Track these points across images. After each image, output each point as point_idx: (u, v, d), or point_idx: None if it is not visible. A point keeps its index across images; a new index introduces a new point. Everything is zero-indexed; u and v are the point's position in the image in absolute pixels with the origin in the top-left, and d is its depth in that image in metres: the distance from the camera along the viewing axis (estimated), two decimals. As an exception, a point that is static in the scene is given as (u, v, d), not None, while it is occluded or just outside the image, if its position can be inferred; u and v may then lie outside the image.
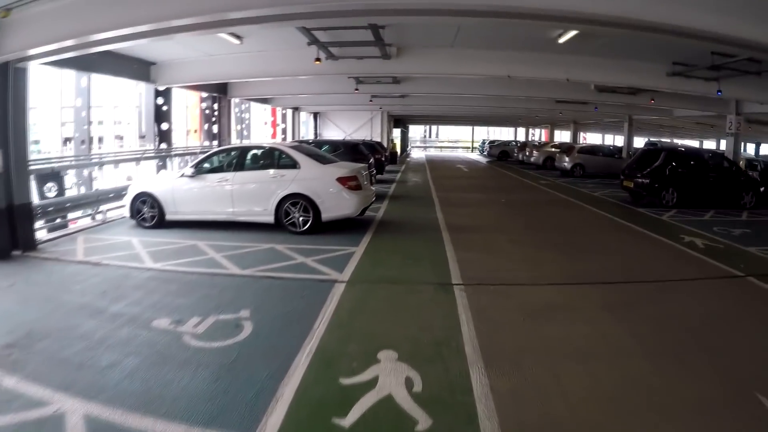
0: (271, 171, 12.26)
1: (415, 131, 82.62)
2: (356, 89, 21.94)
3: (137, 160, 18.18)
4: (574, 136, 48.65)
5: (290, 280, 8.48)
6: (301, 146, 13.62)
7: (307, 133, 40.30)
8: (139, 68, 17.51)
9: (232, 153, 13.33)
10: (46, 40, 9.51)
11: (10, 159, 10.55)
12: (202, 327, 6.51)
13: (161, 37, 9.89)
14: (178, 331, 6.39)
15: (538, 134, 69.71)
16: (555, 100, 28.60)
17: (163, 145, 19.43)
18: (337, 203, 11.85)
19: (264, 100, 30.20)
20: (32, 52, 9.87)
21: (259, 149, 13.58)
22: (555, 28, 12.39)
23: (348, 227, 12.37)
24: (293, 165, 12.14)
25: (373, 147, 23.99)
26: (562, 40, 13.46)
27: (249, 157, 13.11)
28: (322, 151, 15.02)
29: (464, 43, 15.16)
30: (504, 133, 78.68)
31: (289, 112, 36.10)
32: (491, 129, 79.83)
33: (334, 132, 40.16)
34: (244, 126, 31.22)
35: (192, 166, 12.90)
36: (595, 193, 22.16)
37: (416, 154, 63.39)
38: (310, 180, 11.85)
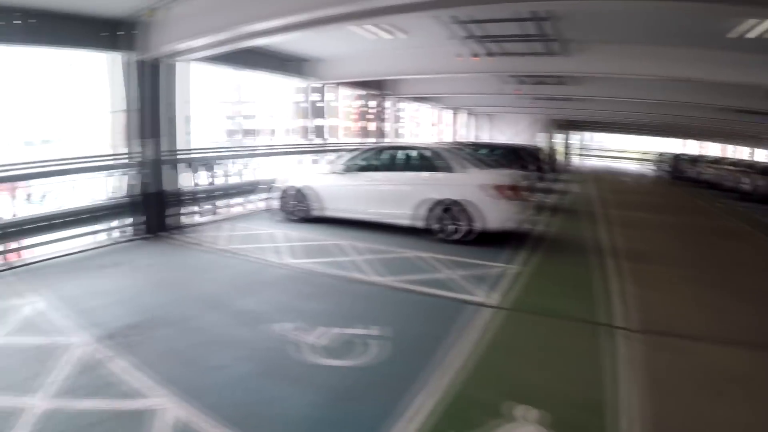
0: (424, 173, 11.43)
1: (578, 138, 79.21)
2: (517, 90, 20.57)
3: (290, 153, 18.08)
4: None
5: (431, 297, 7.54)
6: (457, 148, 12.63)
7: (466, 135, 39.35)
8: (293, 65, 17.52)
9: (385, 152, 12.73)
10: (189, 35, 9.85)
11: (161, 148, 11.57)
12: (325, 339, 5.94)
13: (311, 32, 9.51)
14: (298, 340, 5.90)
15: (714, 148, 64.56)
16: (735, 110, 24.89)
17: (318, 140, 19.33)
18: (493, 213, 10.65)
19: (422, 100, 29.17)
20: (180, 47, 10.32)
21: (413, 149, 12.70)
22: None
23: (503, 241, 11.04)
24: (448, 168, 11.20)
25: (533, 153, 22.34)
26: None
27: (401, 157, 12.42)
28: (480, 155, 13.90)
29: (643, 38, 13.08)
30: (673, 145, 73.24)
31: (449, 112, 35.38)
32: (660, 140, 74.64)
33: (494, 135, 38.77)
34: (401, 125, 30.87)
35: (342, 163, 12.64)
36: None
37: (578, 162, 60.03)
38: (465, 186, 10.82)
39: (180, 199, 12.35)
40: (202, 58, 12.31)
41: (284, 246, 10.43)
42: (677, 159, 45.92)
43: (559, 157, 43.16)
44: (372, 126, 23.23)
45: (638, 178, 38.29)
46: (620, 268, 9.43)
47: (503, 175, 11.10)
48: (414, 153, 12.40)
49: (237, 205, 15.47)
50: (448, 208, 10.87)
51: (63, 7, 9.90)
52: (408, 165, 12.16)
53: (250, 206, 15.45)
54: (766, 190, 24.94)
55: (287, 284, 8.00)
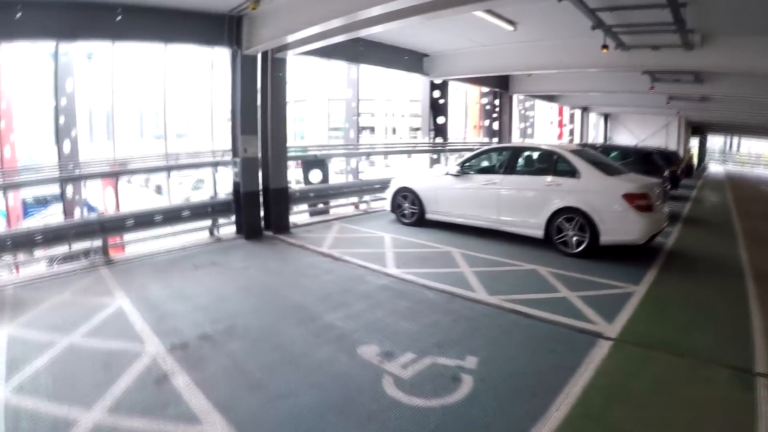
0: (546, 178, 10.34)
1: (714, 142, 74.36)
2: (651, 87, 18.83)
3: (408, 152, 17.49)
4: None
5: (542, 322, 6.53)
6: (583, 151, 11.29)
7: (596, 136, 37.50)
8: (411, 60, 16.99)
9: (503, 153, 11.68)
10: (297, 26, 9.38)
11: (268, 145, 11.54)
12: (412, 370, 5.15)
13: (428, 19, 8.61)
14: (381, 368, 5.19)
15: None
16: None
17: (439, 139, 18.70)
18: (620, 225, 9.44)
19: (549, 98, 27.85)
20: (288, 39, 10.01)
21: (534, 151, 11.67)
22: None
23: (630, 256, 9.83)
24: (572, 173, 10.07)
25: (668, 157, 20.32)
26: None
27: (522, 159, 11.37)
28: (609, 159, 12.58)
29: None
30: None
31: (578, 112, 33.68)
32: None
33: (625, 137, 36.38)
34: (528, 124, 29.59)
35: (458, 164, 11.85)
36: None
37: (714, 167, 56.18)
38: (590, 193, 9.68)
39: (288, 197, 12.19)
40: (313, 51, 12.18)
41: (390, 252, 9.94)
42: None
43: (695, 161, 40.53)
44: (497, 125, 22.22)
45: (778, 185, 34.78)
46: (763, 297, 7.94)
47: (634, 183, 9.78)
48: (535, 155, 11.41)
49: (350, 205, 15.26)
50: (571, 218, 9.78)
51: (168, 3, 9.95)
52: (528, 168, 11.16)
53: (363, 206, 15.17)
54: None
55: (384, 297, 7.37)
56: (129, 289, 7.71)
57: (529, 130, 29.78)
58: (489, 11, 11.48)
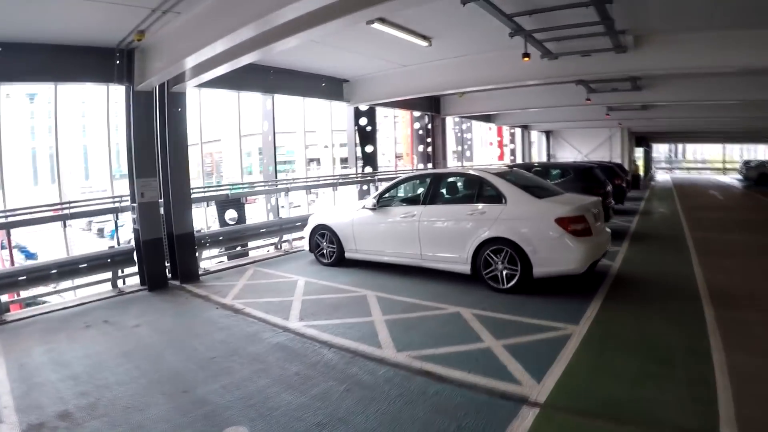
0: (470, 206, 9.26)
1: (660, 150, 74.98)
2: (588, 99, 18.21)
3: (334, 185, 16.38)
4: None
5: (455, 386, 5.31)
6: (511, 173, 10.28)
7: (539, 154, 37.01)
8: (329, 86, 16.16)
9: (422, 181, 10.63)
10: (189, 51, 8.34)
11: (169, 188, 10.68)
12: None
13: (341, 26, 7.30)
14: None
15: None
16: None
17: (368, 169, 17.68)
18: (555, 254, 8.34)
19: (486, 118, 27.22)
20: (188, 64, 8.88)
21: (456, 176, 10.71)
22: None
23: (569, 288, 8.78)
24: (498, 198, 8.99)
25: (611, 171, 19.65)
26: None
27: (443, 186, 10.32)
28: (541, 180, 11.41)
29: (730, 21, 10.58)
30: (761, 152, 67.97)
31: (518, 130, 33.11)
32: (746, 147, 69.35)
33: (568, 153, 36.42)
34: (466, 147, 28.75)
35: (375, 197, 10.75)
36: None
37: (661, 176, 56.43)
38: (518, 220, 8.60)
39: (194, 243, 11.14)
40: (220, 83, 11.69)
41: (299, 300, 8.89)
42: (765, 165, 42.67)
43: (641, 172, 40.38)
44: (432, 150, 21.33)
45: (724, 191, 34.65)
46: (723, 325, 6.94)
47: (568, 205, 8.72)
48: (457, 181, 10.43)
49: (269, 245, 14.35)
50: (500, 249, 8.64)
51: (53, 38, 9.22)
52: (450, 196, 10.15)
53: (286, 246, 14.12)
54: None
55: (274, 360, 6.33)
56: (9, 355, 7.00)
57: (467, 153, 28.96)
58: (401, 27, 10.61)
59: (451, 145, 24.63)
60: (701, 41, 11.20)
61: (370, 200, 10.68)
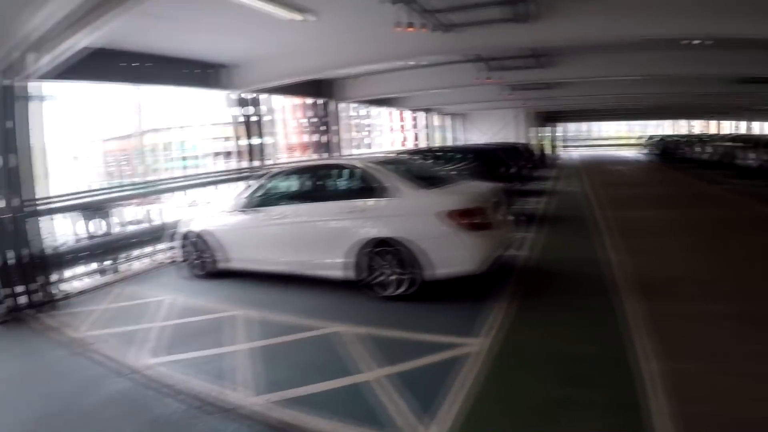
0: (349, 202, 8.07)
1: (564, 130, 76.33)
2: (487, 77, 17.44)
3: (215, 183, 15.03)
4: (749, 126, 42.73)
5: None
6: (396, 160, 9.37)
7: (445, 138, 36.35)
8: (205, 73, 14.65)
9: (296, 175, 9.40)
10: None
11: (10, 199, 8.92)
12: None
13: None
14: None
15: (698, 126, 62.48)
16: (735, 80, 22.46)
17: (256, 163, 16.39)
18: (448, 253, 7.25)
19: (385, 102, 26.12)
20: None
21: (334, 168, 9.43)
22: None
23: (470, 288, 7.69)
24: (381, 191, 7.83)
25: (516, 152, 19.27)
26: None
27: (320, 180, 9.05)
28: (433, 168, 10.53)
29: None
30: (663, 128, 70.52)
31: (421, 115, 32.27)
32: (648, 123, 72.10)
33: (474, 135, 35.83)
34: (365, 134, 27.65)
35: (246, 196, 9.38)
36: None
37: (567, 154, 57.05)
38: (405, 216, 7.48)
39: (47, 263, 9.32)
40: (77, 73, 9.99)
41: (157, 327, 7.41)
42: (669, 141, 45.19)
43: (547, 151, 40.41)
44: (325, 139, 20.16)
45: (631, 166, 35.66)
46: (649, 322, 6.14)
47: (462, 195, 7.69)
48: (335, 173, 9.21)
49: (143, 257, 12.44)
50: (386, 250, 7.51)
51: None
52: (327, 192, 8.91)
53: (160, 257, 12.31)
54: None
55: (108, 419, 5.00)
56: None
57: (366, 140, 27.88)
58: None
59: (349, 132, 23.55)
60: (599, 58, 11.83)
61: (241, 200, 9.37)
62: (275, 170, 10.04)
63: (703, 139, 35.71)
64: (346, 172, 8.95)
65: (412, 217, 7.39)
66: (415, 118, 32.59)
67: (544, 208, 15.88)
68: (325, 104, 20.09)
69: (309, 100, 20.29)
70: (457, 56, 14.24)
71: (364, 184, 8.12)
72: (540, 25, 10.59)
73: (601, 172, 30.57)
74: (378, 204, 7.68)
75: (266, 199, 9.19)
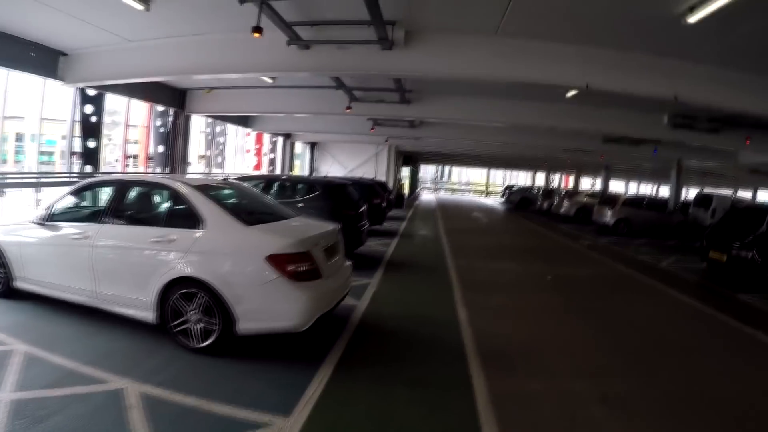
0: (156, 229, 6.69)
1: (427, 170, 77.29)
2: (348, 107, 16.64)
3: (36, 185, 13.24)
4: (606, 184, 44.39)
5: None
6: (225, 186, 8.08)
7: (302, 167, 35.24)
8: (40, 58, 12.80)
9: (107, 190, 7.66)
10: None
11: None
12: None
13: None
14: None
15: (557, 179, 66.12)
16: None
17: (88, 168, 14.71)
18: (267, 305, 6.05)
19: (243, 122, 24.85)
20: None
21: (147, 186, 7.90)
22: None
23: (293, 344, 6.58)
24: (194, 221, 6.50)
25: (370, 189, 18.34)
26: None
27: (130, 199, 7.57)
28: (267, 198, 9.02)
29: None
30: (522, 178, 72.78)
31: (280, 140, 30.98)
32: (508, 172, 74.16)
33: (333, 167, 34.93)
34: (218, 152, 26.04)
35: (47, 207, 7.68)
36: (660, 263, 16.70)
37: (426, 196, 57.59)
38: (217, 254, 6.23)
39: None
40: None
41: None
42: (527, 191, 47.63)
43: (406, 191, 40.23)
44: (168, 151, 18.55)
45: (488, 213, 35.94)
46: (501, 406, 5.23)
47: (289, 237, 6.38)
48: (147, 192, 7.77)
49: None
50: (192, 293, 6.19)
51: None
52: (135, 213, 7.41)
53: None
54: (628, 224, 25.48)
55: None
56: None
57: (218, 159, 26.28)
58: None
59: (198, 148, 21.98)
60: (486, 47, 10.44)
61: (41, 211, 7.68)
62: (86, 181, 8.40)
63: (560, 193, 36.91)
64: (159, 193, 7.57)
65: (226, 256, 6.17)
66: (274, 143, 31.16)
67: (394, 251, 15.04)
68: (175, 114, 18.55)
69: (160, 108, 18.62)
70: (317, 76, 13.46)
71: (176, 211, 6.78)
72: (406, 53, 10.20)
73: (458, 217, 30.58)
74: (188, 236, 6.37)
75: (71, 214, 7.67)
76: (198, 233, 6.34)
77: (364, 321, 7.94)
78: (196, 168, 21.32)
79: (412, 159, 50.34)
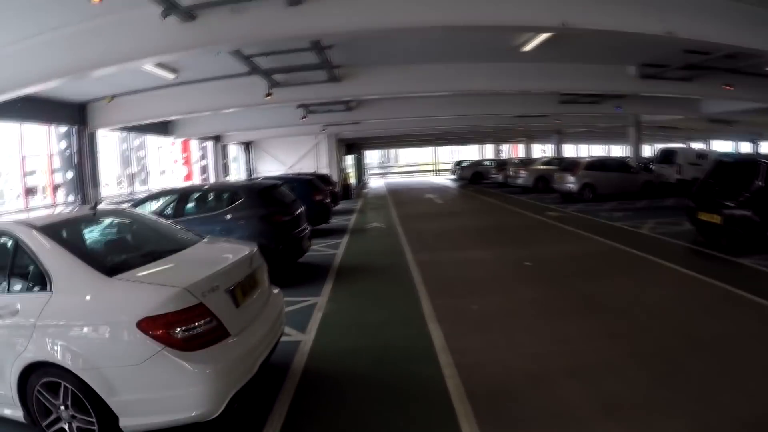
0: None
1: (372, 156, 75.36)
2: (268, 94, 14.74)
3: None
4: (558, 149, 43.21)
5: None
6: (87, 217, 5.68)
7: (239, 170, 33.01)
8: None
9: None
10: None
11: None
12: None
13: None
14: None
15: (506, 150, 65.62)
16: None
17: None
18: (152, 391, 4.05)
19: (161, 130, 22.40)
20: None
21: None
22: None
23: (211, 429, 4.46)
24: (40, 279, 4.46)
25: (309, 185, 16.63)
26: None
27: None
28: (160, 222, 6.72)
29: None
30: (470, 152, 71.43)
31: (209, 144, 28.57)
32: (455, 148, 72.96)
33: (272, 165, 33.16)
34: (139, 168, 23.59)
35: None
36: (640, 229, 15.10)
37: (375, 183, 55.76)
38: (72, 324, 4.21)
39: None
40: None
41: None
42: (479, 165, 47.45)
43: (352, 181, 38.32)
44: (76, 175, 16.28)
45: (443, 193, 34.54)
46: None
47: (170, 285, 4.25)
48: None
49: None
50: (55, 384, 4.21)
51: None
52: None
53: None
54: (593, 189, 24.05)
55: None
56: None
57: (142, 175, 23.83)
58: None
59: (112, 167, 19.77)
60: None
61: None
62: None
63: (515, 164, 35.74)
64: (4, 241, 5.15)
65: (81, 327, 4.19)
66: (204, 148, 28.70)
67: (344, 253, 13.20)
68: (78, 132, 16.31)
69: (63, 128, 16.30)
70: (216, 57, 11.76)
71: (18, 266, 4.74)
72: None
73: (411, 202, 28.99)
74: (32, 302, 4.38)
75: None
76: (44, 297, 4.33)
77: (309, 368, 6.03)
78: (113, 191, 19.14)
79: (355, 146, 48.82)
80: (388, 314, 7.99)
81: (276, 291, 5.92)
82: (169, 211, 10.61)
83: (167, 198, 11.00)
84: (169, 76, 12.86)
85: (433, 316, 7.58)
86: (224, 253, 5.52)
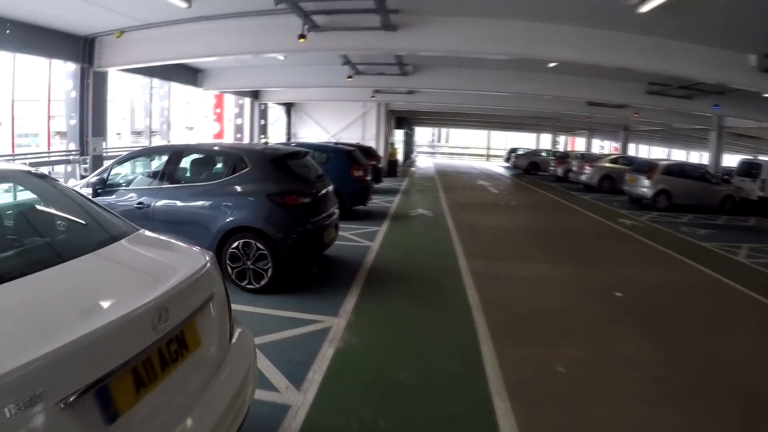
0: None
1: (422, 134, 73.23)
2: (350, 76, 13.14)
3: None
4: (624, 147, 40.31)
5: None
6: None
7: (277, 132, 30.87)
8: None
9: None
10: None
11: None
12: None
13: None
14: None
15: (563, 142, 62.83)
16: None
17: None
18: None
19: (187, 78, 20.30)
20: None
21: None
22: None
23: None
24: None
25: (346, 158, 14.54)
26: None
27: None
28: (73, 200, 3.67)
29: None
30: (524, 140, 67.88)
31: (246, 101, 26.30)
32: (509, 134, 69.28)
33: (313, 132, 30.92)
34: (162, 120, 21.11)
35: None
36: (737, 255, 12.19)
37: (423, 162, 52.89)
38: None
39: None
40: None
41: None
42: (536, 154, 44.98)
43: (399, 157, 35.83)
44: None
45: (497, 181, 31.86)
46: None
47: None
48: None
49: None
50: None
51: None
52: None
53: None
54: (668, 196, 20.94)
55: None
56: None
57: (164, 127, 21.25)
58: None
59: (132, 114, 17.57)
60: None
61: None
62: None
63: (578, 158, 32.83)
64: None
65: None
66: (240, 105, 26.45)
67: (379, 250, 10.56)
68: (82, 72, 14.06)
69: (71, 66, 14.14)
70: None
71: None
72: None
73: (461, 188, 26.39)
74: None
75: None
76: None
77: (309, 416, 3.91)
78: (126, 142, 16.96)
79: (405, 122, 46.71)
80: (429, 369, 5.24)
81: (240, 334, 3.27)
82: (153, 174, 8.18)
83: (155, 157, 8.62)
84: (182, 4, 10.44)
85: (500, 380, 4.96)
86: (135, 277, 2.95)
